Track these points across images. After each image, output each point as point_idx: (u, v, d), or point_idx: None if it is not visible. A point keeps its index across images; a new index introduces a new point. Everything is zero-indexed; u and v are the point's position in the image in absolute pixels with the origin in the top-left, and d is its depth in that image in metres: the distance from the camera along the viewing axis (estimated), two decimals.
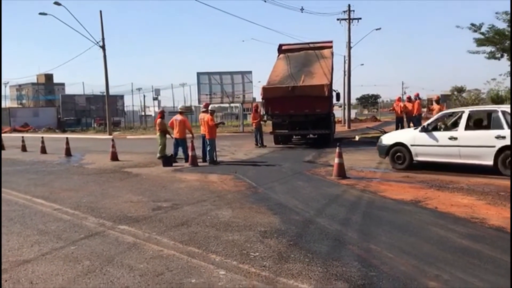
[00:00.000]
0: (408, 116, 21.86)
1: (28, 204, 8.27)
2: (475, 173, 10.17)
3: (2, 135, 27.65)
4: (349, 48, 34.54)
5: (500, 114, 9.95)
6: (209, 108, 14.87)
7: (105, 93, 36.65)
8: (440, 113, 12.00)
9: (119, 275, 4.46)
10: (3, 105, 58.44)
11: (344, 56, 39.08)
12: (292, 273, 4.37)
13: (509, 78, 30.00)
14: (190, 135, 14.58)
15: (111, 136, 30.97)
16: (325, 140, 19.00)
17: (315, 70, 19.94)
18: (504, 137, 9.65)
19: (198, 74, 35.56)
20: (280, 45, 22.92)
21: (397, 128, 21.98)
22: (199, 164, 13.72)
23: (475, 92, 30.72)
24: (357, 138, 23.15)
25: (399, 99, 23.61)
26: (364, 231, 5.82)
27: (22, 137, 24.74)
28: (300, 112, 18.29)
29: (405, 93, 73.96)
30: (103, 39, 32.58)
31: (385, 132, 21.00)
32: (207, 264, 4.71)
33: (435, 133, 10.97)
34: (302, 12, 31.63)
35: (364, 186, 9.17)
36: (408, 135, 11.74)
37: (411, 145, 11.34)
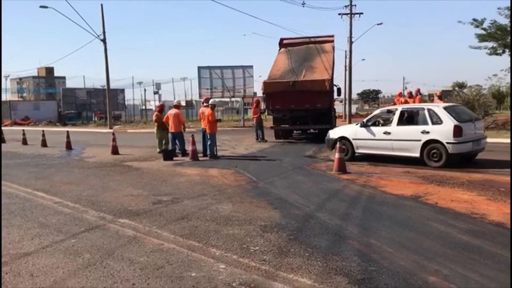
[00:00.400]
0: None
1: (29, 197, 8.28)
2: (473, 169, 10.18)
3: (3, 128, 27.66)
4: (350, 43, 34.40)
5: (426, 112, 11.10)
6: (210, 102, 14.86)
7: (105, 87, 36.61)
8: (378, 110, 12.98)
9: (120, 268, 4.47)
10: (3, 98, 58.42)
11: (345, 51, 39.00)
12: (292, 267, 4.38)
13: (510, 74, 29.95)
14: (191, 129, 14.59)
15: (111, 130, 30.98)
16: (326, 135, 18.97)
17: (316, 64, 19.90)
18: (428, 132, 10.78)
19: (199, 68, 35.55)
20: (281, 39, 22.85)
21: None
22: (200, 158, 13.71)
23: (476, 88, 30.66)
24: None
25: (400, 95, 23.56)
26: (364, 226, 5.83)
27: (23, 130, 24.73)
28: (301, 107, 18.27)
29: (406, 88, 73.88)
30: (104, 32, 32.51)
31: None
32: (207, 258, 4.72)
33: (373, 128, 12.08)
34: (303, 6, 31.47)
35: (364, 181, 9.17)
36: (351, 130, 12.82)
37: (353, 139, 12.46)
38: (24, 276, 4.34)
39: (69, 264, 4.66)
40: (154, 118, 15.14)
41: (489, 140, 16.62)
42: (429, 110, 11.11)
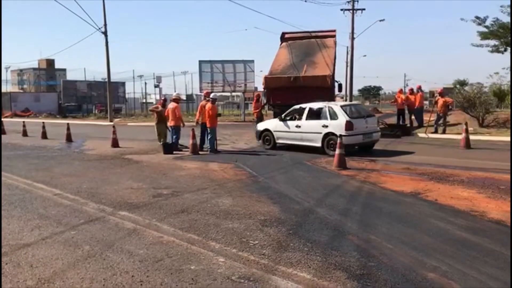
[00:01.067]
0: (410, 109, 21.83)
1: (29, 189, 8.28)
2: (469, 168, 10.20)
3: (3, 119, 27.62)
4: (352, 39, 34.33)
5: (326, 109, 13.08)
6: (211, 96, 14.83)
7: (106, 80, 36.54)
8: (294, 106, 14.43)
9: (119, 260, 4.48)
10: (4, 90, 58.31)
11: (347, 47, 38.96)
12: (291, 261, 4.39)
13: None
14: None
15: (112, 123, 30.93)
16: None
17: (317, 60, 19.84)
18: (327, 126, 12.83)
19: (200, 62, 35.45)
20: (283, 33, 22.78)
21: (398, 120, 21.98)
22: (200, 152, 13.71)
23: (478, 86, 30.55)
24: None
25: (401, 91, 23.55)
26: (363, 222, 5.83)
27: (23, 122, 24.71)
28: (302, 103, 18.22)
29: (407, 85, 73.76)
30: (105, 25, 32.41)
31: (386, 124, 21.06)
32: (206, 251, 4.73)
33: (288, 122, 14.08)
34: (306, 1, 31.40)
35: (364, 177, 9.17)
36: (273, 123, 14.76)
37: (274, 131, 14.44)
38: (24, 267, 4.35)
39: (69, 255, 4.67)
40: (158, 109, 14.97)
41: (490, 138, 16.72)
42: (329, 107, 13.09)
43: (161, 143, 14.41)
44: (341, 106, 13.14)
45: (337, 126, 12.54)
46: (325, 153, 12.55)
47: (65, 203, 7.10)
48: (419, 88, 22.61)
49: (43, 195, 7.72)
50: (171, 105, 14.44)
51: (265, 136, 14.69)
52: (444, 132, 18.46)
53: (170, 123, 14.33)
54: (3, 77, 54.58)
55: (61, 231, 5.58)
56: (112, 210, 6.57)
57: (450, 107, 20.88)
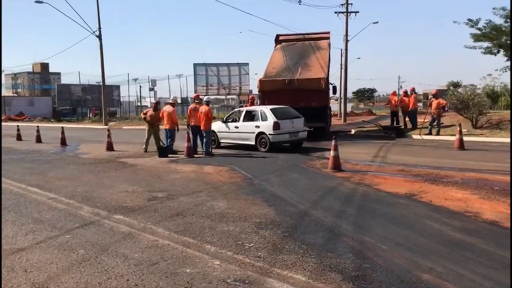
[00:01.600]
0: (404, 110, 21.94)
1: (23, 193, 8.25)
2: (463, 169, 10.25)
3: None
4: (346, 41, 34.45)
5: (259, 112, 14.97)
6: (205, 99, 14.84)
7: (101, 83, 36.48)
8: (234, 110, 16.71)
9: (114, 264, 4.47)
10: None
11: (341, 50, 39.04)
12: (286, 264, 4.39)
13: (504, 73, 30.09)
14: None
15: (106, 126, 30.87)
16: (321, 133, 18.98)
17: (312, 62, 19.89)
18: (259, 127, 14.65)
19: (195, 65, 35.51)
20: (278, 35, 22.83)
21: (392, 122, 22.08)
22: (194, 155, 13.70)
23: (471, 88, 30.78)
24: (353, 131, 23.19)
25: (394, 93, 23.66)
26: (358, 224, 5.85)
27: (17, 126, 24.61)
28: (297, 105, 18.22)
29: (401, 87, 74.06)
30: (99, 28, 32.39)
31: (381, 126, 21.14)
32: (202, 254, 4.72)
33: (229, 124, 15.81)
34: (300, 4, 31.50)
35: (359, 179, 9.19)
36: (217, 125, 16.16)
37: (218, 132, 15.97)
38: (18, 272, 4.33)
39: (63, 259, 4.65)
40: (147, 115, 14.96)
41: (483, 139, 16.81)
42: (261, 110, 14.96)
43: (144, 148, 14.49)
44: (271, 109, 14.84)
45: (267, 126, 14.40)
46: (258, 150, 14.51)
47: (59, 207, 7.08)
48: (413, 90, 22.75)
49: (37, 199, 7.70)
50: (167, 108, 14.44)
51: (215, 136, 15.97)
52: (438, 133, 18.54)
53: (166, 126, 14.32)
54: None
55: (56, 235, 5.56)
56: (107, 214, 6.55)
57: (445, 108, 21.00)
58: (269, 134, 14.15)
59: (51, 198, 7.76)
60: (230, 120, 16.04)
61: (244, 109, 16.03)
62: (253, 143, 14.79)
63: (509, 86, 33.32)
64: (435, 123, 18.80)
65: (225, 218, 6.19)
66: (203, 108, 14.06)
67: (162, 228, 5.71)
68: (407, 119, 22.04)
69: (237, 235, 5.35)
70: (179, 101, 57.41)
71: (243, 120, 15.35)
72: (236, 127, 15.44)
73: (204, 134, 13.90)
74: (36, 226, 5.98)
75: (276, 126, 14.20)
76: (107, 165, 12.04)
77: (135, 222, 6.07)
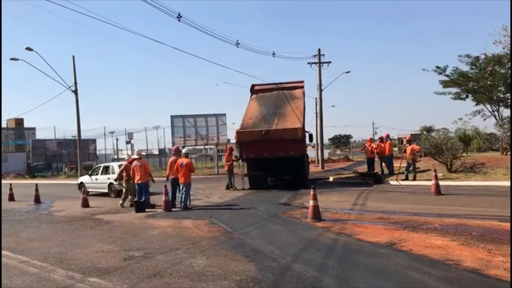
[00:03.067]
0: (380, 156, 22.25)
1: None
2: (441, 214, 10.34)
3: None
4: (320, 90, 35.26)
5: (110, 167, 19.77)
6: (183, 151, 14.77)
7: (77, 137, 36.13)
8: (98, 165, 22.08)
9: None
10: None
11: (316, 98, 39.86)
12: None
13: (475, 117, 31.02)
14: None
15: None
16: (300, 182, 19.04)
17: (287, 112, 20.19)
18: (110, 178, 18.97)
19: (172, 117, 35.62)
20: (253, 85, 23.21)
21: (369, 168, 22.31)
22: (173, 209, 13.48)
23: (443, 132, 31.56)
24: (331, 179, 23.32)
25: (371, 140, 24.06)
26: (340, 277, 5.75)
27: None
28: (274, 155, 18.35)
29: (376, 133, 75.52)
30: (75, 83, 32.41)
31: (358, 173, 21.32)
32: None
33: (92, 177, 20.37)
34: (273, 56, 32.33)
35: (339, 229, 9.13)
36: (85, 178, 21.13)
37: (85, 183, 20.30)
38: None
39: None
40: (123, 169, 14.91)
41: (459, 183, 17.09)
42: (111, 166, 19.90)
43: (121, 203, 14.32)
44: (118, 165, 19.34)
45: (113, 177, 18.44)
46: (109, 196, 18.76)
47: (31, 271, 6.79)
48: (388, 136, 23.17)
49: (8, 263, 7.37)
50: (137, 163, 14.26)
51: (82, 186, 19.77)
52: (414, 178, 18.79)
53: (137, 180, 14.06)
54: None
55: None
56: (81, 277, 6.30)
57: (421, 154, 21.36)
58: (115, 183, 18.15)
59: (23, 262, 7.45)
60: (94, 173, 20.48)
61: (102, 165, 21.21)
62: (106, 190, 19.34)
63: (480, 129, 34.32)
64: (411, 168, 19.08)
65: (204, 276, 6.01)
66: (184, 161, 13.88)
67: None
68: (383, 164, 22.33)
69: None
70: (155, 152, 57.26)
71: (101, 173, 19.88)
72: (96, 179, 20.02)
73: (184, 188, 13.65)
74: None
75: (119, 177, 16.96)
76: (82, 223, 11.72)
77: (110, 285, 5.84)
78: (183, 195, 13.61)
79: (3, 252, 8.30)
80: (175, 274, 6.22)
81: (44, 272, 6.72)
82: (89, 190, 19.42)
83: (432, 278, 5.54)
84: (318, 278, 5.76)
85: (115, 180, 15.80)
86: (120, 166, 18.03)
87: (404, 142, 23.07)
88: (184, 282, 5.81)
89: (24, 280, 6.33)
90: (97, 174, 20.07)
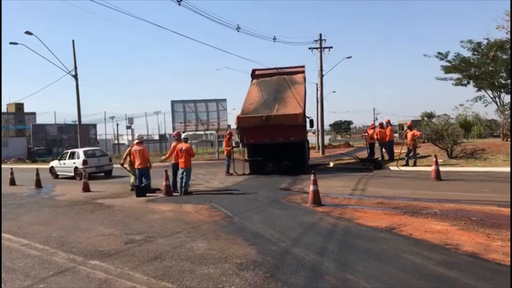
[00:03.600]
0: (381, 142, 22.25)
1: None
2: (441, 200, 10.37)
3: None
4: (321, 76, 35.10)
5: (76, 152, 21.97)
6: (182, 136, 14.75)
7: (77, 122, 36.11)
8: (66, 151, 24.64)
9: None
10: None
11: (317, 84, 39.69)
12: None
13: (476, 103, 30.97)
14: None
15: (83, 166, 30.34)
16: (300, 167, 19.06)
17: (288, 97, 20.12)
18: (75, 163, 21.32)
19: (173, 102, 35.53)
20: (254, 70, 23.10)
21: (372, 154, 22.33)
22: (173, 194, 13.52)
23: (444, 118, 31.55)
24: (331, 164, 23.34)
25: (373, 126, 24.05)
26: (340, 261, 5.79)
27: None
28: (275, 141, 18.35)
29: (376, 119, 75.45)
30: (75, 68, 32.26)
31: (358, 158, 21.33)
32: None
33: (60, 161, 22.64)
34: (274, 41, 32.12)
35: (339, 214, 9.17)
36: (54, 163, 23.45)
37: (55, 167, 23.08)
38: None
39: None
40: (128, 154, 14.83)
41: (459, 169, 17.10)
42: (77, 151, 22.05)
43: (132, 188, 14.22)
44: (83, 151, 22.05)
45: (79, 162, 21.00)
46: (75, 179, 20.53)
47: (33, 254, 6.84)
48: (388, 122, 23.13)
49: (10, 246, 7.42)
50: (137, 147, 14.23)
51: (52, 170, 23.24)
52: (415, 164, 18.81)
53: (138, 166, 14.05)
54: None
55: (29, 285, 5.34)
56: (83, 260, 6.35)
57: (423, 139, 21.37)
58: (80, 167, 20.51)
59: (25, 245, 7.50)
60: (62, 159, 22.74)
61: (69, 150, 23.23)
62: (72, 174, 21.39)
63: (481, 116, 34.31)
64: (411, 154, 19.10)
65: (205, 260, 6.06)
66: (184, 146, 13.89)
67: (140, 273, 5.55)
68: (383, 150, 22.34)
69: (217, 278, 5.23)
70: (156, 137, 57.23)
71: (68, 158, 22.08)
72: (64, 163, 22.29)
73: (184, 173, 13.67)
74: (8, 275, 5.74)
75: (84, 162, 20.91)
76: (83, 207, 11.77)
77: (112, 267, 5.88)
78: (184, 180, 13.64)
79: (5, 235, 8.35)
80: (176, 257, 6.26)
81: (46, 255, 6.77)
82: (59, 173, 22.65)
83: (431, 262, 5.57)
84: (318, 261, 5.79)
85: (121, 164, 15.63)
86: (85, 152, 21.75)
87: (405, 128, 23.04)
88: (185, 265, 5.85)
89: (26, 262, 6.37)
90: (65, 159, 22.39)
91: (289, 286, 4.85)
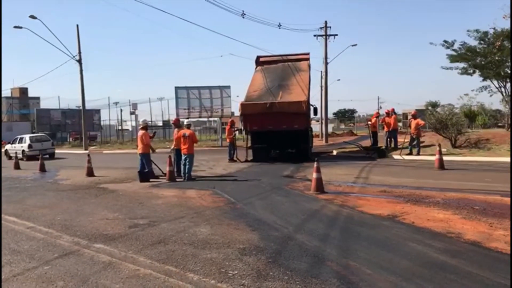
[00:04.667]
0: (386, 130, 22.23)
1: None
2: (444, 189, 10.38)
3: None
4: (326, 63, 34.93)
5: (23, 138, 27.39)
6: (186, 122, 14.76)
7: (81, 107, 36.16)
8: (16, 136, 28.99)
9: None
10: None
11: (321, 72, 39.51)
12: None
13: (480, 93, 30.79)
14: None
15: (87, 151, 30.53)
16: (303, 155, 19.08)
17: (292, 85, 20.05)
18: (22, 146, 26.75)
19: (176, 88, 35.44)
20: (258, 57, 23.00)
21: (375, 143, 22.31)
22: (177, 179, 13.57)
23: (449, 107, 31.43)
24: (334, 152, 23.33)
25: (377, 114, 24.00)
26: (342, 247, 5.82)
27: None
28: (279, 128, 18.34)
29: (380, 107, 75.16)
30: (79, 53, 32.29)
31: (362, 147, 21.33)
32: (184, 283, 4.63)
33: (12, 145, 27.93)
34: (279, 28, 31.94)
35: (342, 201, 9.20)
36: (8, 146, 28.69)
37: (8, 150, 28.34)
38: None
39: None
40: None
41: (463, 159, 17.08)
42: (23, 137, 27.49)
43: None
44: (29, 137, 27.56)
45: (26, 146, 26.42)
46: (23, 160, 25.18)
47: (38, 237, 6.91)
48: (393, 110, 23.08)
49: (15, 229, 7.49)
50: (139, 132, 14.28)
51: (6, 152, 28.49)
52: (418, 153, 18.78)
53: (139, 150, 14.09)
54: None
55: (34, 266, 5.40)
56: (87, 243, 6.41)
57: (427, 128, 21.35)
58: (26, 150, 26.28)
59: (30, 228, 7.57)
60: (14, 143, 27.91)
61: (19, 136, 28.18)
62: (21, 156, 25.42)
63: (485, 106, 34.18)
64: (414, 143, 19.06)
65: (208, 244, 6.10)
66: (187, 132, 13.89)
67: (143, 257, 5.60)
68: (388, 139, 22.32)
69: (220, 263, 5.28)
70: (159, 123, 57.20)
71: (18, 142, 27.32)
72: (15, 147, 27.34)
73: (188, 159, 13.70)
74: (14, 257, 5.81)
75: (29, 146, 26.33)
76: (87, 191, 11.84)
77: (115, 251, 5.94)
78: (187, 166, 13.68)
79: (9, 218, 8.43)
80: (179, 241, 6.31)
81: (50, 237, 6.84)
82: (11, 155, 27.40)
83: (433, 250, 5.60)
84: (321, 247, 5.83)
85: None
86: (30, 138, 27.43)
87: (409, 117, 22.98)
88: (188, 249, 5.90)
89: (31, 245, 6.44)
90: (15, 144, 27.68)
91: (291, 271, 4.89)
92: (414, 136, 19.00)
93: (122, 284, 4.65)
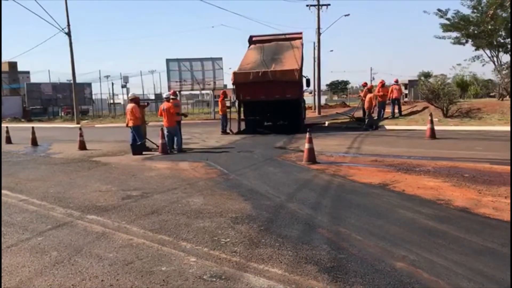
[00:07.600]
0: (382, 101, 22.23)
1: None
2: (435, 158, 10.47)
3: None
4: (319, 34, 34.63)
5: None
6: (165, 95, 14.70)
7: (72, 81, 35.75)
8: None
9: (88, 265, 4.39)
10: None
11: (314, 43, 39.18)
12: (262, 257, 4.40)
13: (473, 63, 30.72)
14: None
15: (78, 125, 30.34)
16: (295, 126, 19.11)
17: (285, 57, 20.03)
18: None
19: (168, 60, 35.07)
20: (251, 37, 22.92)
21: (369, 114, 22.36)
22: (169, 152, 13.57)
23: (441, 77, 31.35)
24: (326, 123, 23.39)
25: (365, 84, 23.94)
26: (333, 215, 5.90)
27: None
28: (271, 98, 18.32)
29: (373, 78, 75.00)
30: (68, 25, 31.71)
31: (354, 118, 21.37)
32: (177, 251, 4.69)
33: None
34: None
35: (334, 171, 9.27)
36: None
37: None
38: None
39: (36, 262, 4.55)
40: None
41: (454, 128, 17.20)
42: None
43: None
44: None
45: None
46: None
47: (31, 209, 6.92)
48: (383, 83, 23.06)
49: (7, 202, 7.49)
50: (128, 106, 14.13)
51: None
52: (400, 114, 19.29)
53: (129, 123, 13.95)
54: None
55: (27, 237, 5.43)
56: (80, 214, 6.44)
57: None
58: None
59: (22, 200, 7.58)
60: None
61: None
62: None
63: (478, 76, 34.14)
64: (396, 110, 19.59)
65: (201, 214, 6.16)
66: (165, 105, 13.80)
67: (137, 227, 5.65)
68: (389, 109, 22.44)
69: (213, 231, 5.34)
70: (151, 97, 56.80)
71: None
72: None
73: (170, 132, 13.60)
74: (7, 229, 5.83)
75: None
76: (79, 164, 11.82)
77: (109, 221, 5.98)
78: (176, 139, 13.68)
79: (2, 191, 8.41)
80: (172, 211, 6.35)
81: (44, 210, 6.85)
82: None
83: (422, 216, 5.69)
84: (312, 215, 5.90)
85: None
86: None
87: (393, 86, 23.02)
88: (181, 219, 5.95)
89: (24, 217, 6.46)
90: None
91: (283, 238, 4.96)
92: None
93: (116, 253, 4.69)
